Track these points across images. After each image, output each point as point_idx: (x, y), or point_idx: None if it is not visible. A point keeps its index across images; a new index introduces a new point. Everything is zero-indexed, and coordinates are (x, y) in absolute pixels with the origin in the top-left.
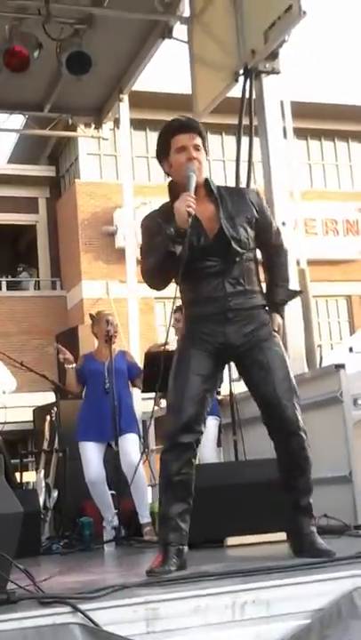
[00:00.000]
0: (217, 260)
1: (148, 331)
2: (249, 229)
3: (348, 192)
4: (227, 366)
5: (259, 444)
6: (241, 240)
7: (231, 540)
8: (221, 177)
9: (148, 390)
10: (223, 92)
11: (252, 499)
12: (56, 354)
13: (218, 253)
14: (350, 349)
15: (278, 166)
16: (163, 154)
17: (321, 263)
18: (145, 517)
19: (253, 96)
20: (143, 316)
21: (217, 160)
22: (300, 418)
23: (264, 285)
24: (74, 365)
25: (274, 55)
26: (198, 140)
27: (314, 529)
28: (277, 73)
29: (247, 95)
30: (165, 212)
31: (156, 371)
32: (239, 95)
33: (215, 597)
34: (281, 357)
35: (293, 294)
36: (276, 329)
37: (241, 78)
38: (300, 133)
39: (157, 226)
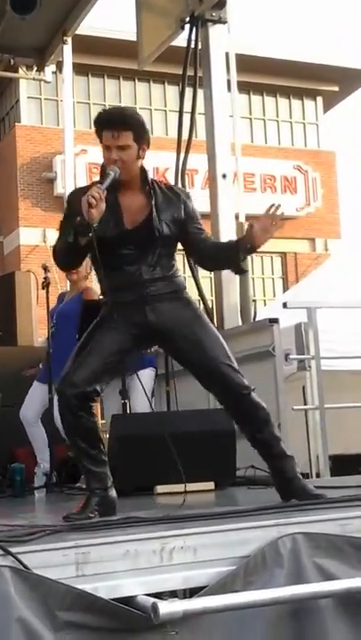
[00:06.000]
0: (133, 248)
1: None
2: (173, 227)
3: (288, 148)
4: None
5: (191, 396)
6: (163, 235)
7: (161, 488)
8: (162, 128)
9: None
10: (168, 39)
11: (182, 448)
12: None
13: (134, 242)
14: (284, 305)
15: (221, 119)
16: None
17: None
18: None
19: (199, 46)
20: None
21: (159, 110)
22: (243, 378)
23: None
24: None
25: (221, 4)
26: (124, 139)
27: (297, 472)
28: (224, 22)
29: (192, 45)
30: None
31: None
32: (184, 44)
33: (144, 542)
34: (211, 330)
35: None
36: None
37: (187, 26)
38: (243, 87)
39: (79, 204)
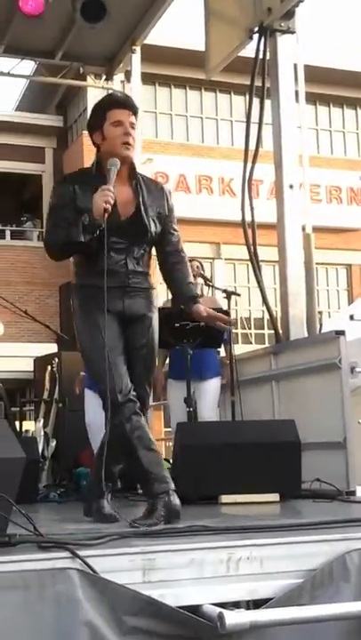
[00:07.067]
0: (124, 239)
1: None
2: (158, 224)
3: (354, 160)
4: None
5: (256, 406)
6: (150, 231)
7: (225, 498)
8: (228, 138)
9: None
10: (236, 49)
11: (247, 459)
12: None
13: (126, 234)
14: (351, 317)
15: (289, 130)
16: (97, 125)
17: (323, 231)
18: None
19: (267, 56)
20: None
21: (225, 120)
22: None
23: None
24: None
25: (290, 14)
26: (134, 119)
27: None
28: (292, 32)
29: (261, 55)
30: (82, 180)
31: None
32: (252, 54)
33: (211, 552)
34: (156, 341)
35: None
36: (206, 314)
37: (255, 36)
38: (309, 98)
39: (71, 194)
